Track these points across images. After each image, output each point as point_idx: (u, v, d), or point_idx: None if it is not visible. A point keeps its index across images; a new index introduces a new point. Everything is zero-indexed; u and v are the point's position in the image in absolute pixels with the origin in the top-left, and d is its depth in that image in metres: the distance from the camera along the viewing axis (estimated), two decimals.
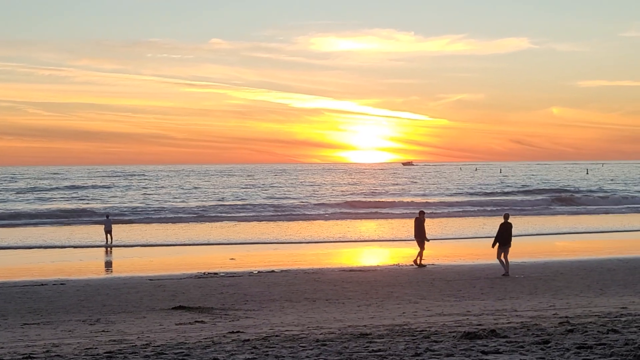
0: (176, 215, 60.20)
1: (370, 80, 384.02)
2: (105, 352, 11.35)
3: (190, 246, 38.33)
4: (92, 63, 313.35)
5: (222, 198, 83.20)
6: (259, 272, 26.60)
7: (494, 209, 63.80)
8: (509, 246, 25.57)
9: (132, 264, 30.62)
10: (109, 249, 37.21)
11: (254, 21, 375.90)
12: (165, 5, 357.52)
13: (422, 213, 29.52)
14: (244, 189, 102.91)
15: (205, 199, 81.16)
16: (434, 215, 56.37)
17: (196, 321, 16.11)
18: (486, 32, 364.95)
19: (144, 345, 12.11)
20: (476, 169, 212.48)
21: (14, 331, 15.31)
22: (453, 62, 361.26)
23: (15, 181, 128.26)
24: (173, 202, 76.66)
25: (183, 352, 11.12)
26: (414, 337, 11.97)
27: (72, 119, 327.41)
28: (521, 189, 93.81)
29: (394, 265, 28.81)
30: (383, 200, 76.79)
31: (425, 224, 28.76)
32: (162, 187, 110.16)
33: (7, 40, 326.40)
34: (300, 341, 11.97)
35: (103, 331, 14.87)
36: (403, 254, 33.00)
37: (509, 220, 26.07)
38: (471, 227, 47.69)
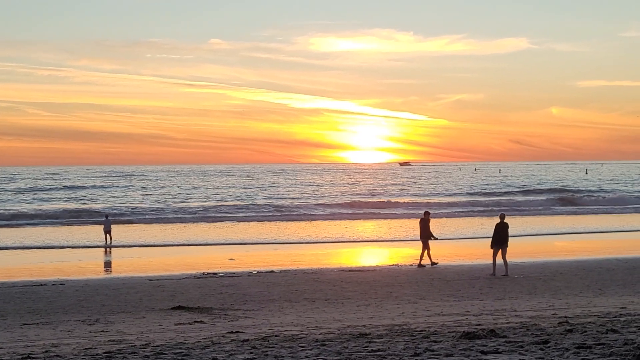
0: (175, 216, 60.21)
1: (369, 81, 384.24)
2: (104, 352, 11.34)
3: (190, 246, 38.33)
4: (92, 63, 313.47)
5: (221, 198, 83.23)
6: (258, 272, 26.61)
7: (495, 209, 63.72)
8: (506, 246, 25.57)
9: (131, 264, 30.62)
10: (108, 249, 37.20)
11: (254, 21, 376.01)
12: (164, 5, 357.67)
13: (427, 213, 29.56)
14: (243, 189, 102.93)
15: (204, 199, 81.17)
16: (434, 216, 56.23)
17: (195, 321, 16.11)
18: (485, 32, 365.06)
19: (143, 345, 12.11)
20: (475, 169, 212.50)
21: (13, 331, 15.30)
22: (452, 62, 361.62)
23: (15, 181, 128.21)
24: (172, 202, 76.64)
25: (182, 352, 11.12)
26: (413, 337, 11.97)
27: (72, 119, 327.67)
28: (522, 189, 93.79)
29: (393, 265, 28.81)
30: (382, 200, 76.77)
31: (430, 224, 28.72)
32: (161, 187, 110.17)
33: (7, 41, 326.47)
34: (299, 341, 11.97)
35: (102, 331, 14.87)
36: (402, 254, 33.02)
37: (505, 221, 26.08)
38: (471, 227, 47.69)
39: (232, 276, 25.45)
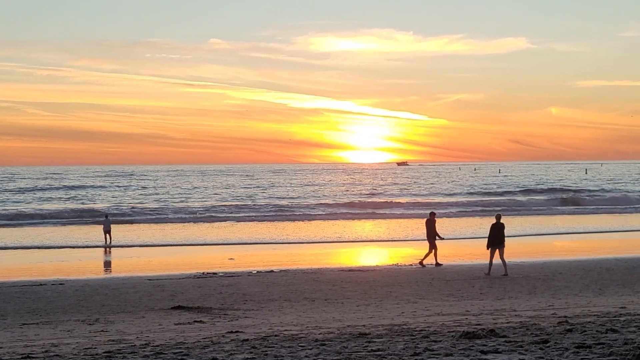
0: (175, 216, 60.20)
1: (369, 80, 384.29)
2: (104, 352, 11.34)
3: (189, 246, 38.32)
4: (91, 63, 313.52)
5: (221, 198, 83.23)
6: (258, 272, 26.61)
7: (497, 209, 63.59)
8: (503, 246, 25.60)
9: (131, 264, 30.62)
10: (107, 249, 37.20)
11: (253, 21, 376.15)
12: (164, 5, 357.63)
13: (432, 214, 29.61)
14: (243, 189, 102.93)
15: (204, 199, 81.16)
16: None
17: (195, 321, 16.10)
18: (485, 32, 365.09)
19: (143, 345, 12.11)
20: (475, 169, 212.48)
21: (13, 331, 15.30)
22: (452, 62, 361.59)
23: (14, 181, 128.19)
24: (172, 202, 76.62)
25: (182, 351, 11.12)
26: (413, 337, 11.97)
27: (71, 119, 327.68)
28: (523, 189, 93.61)
29: (392, 265, 28.81)
30: (382, 200, 76.76)
31: (436, 225, 28.75)
32: (161, 187, 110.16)
33: (6, 40, 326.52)
34: (299, 341, 11.96)
35: (102, 331, 14.86)
36: (402, 254, 33.02)
37: (501, 221, 26.13)
38: (470, 226, 47.68)
39: (232, 276, 25.45)
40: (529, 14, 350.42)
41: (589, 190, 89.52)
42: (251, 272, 26.44)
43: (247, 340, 12.22)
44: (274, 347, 11.35)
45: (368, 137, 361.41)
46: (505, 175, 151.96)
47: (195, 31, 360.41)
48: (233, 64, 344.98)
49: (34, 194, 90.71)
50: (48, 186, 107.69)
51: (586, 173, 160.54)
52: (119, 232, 43.01)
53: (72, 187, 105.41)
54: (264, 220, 56.15)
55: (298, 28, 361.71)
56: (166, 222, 55.03)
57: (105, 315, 17.71)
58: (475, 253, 26.61)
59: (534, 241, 38.53)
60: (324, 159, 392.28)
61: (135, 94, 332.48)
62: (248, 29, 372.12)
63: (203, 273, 26.22)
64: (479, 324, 13.64)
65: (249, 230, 47.28)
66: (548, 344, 10.76)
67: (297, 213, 62.63)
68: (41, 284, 23.76)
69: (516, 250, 32.73)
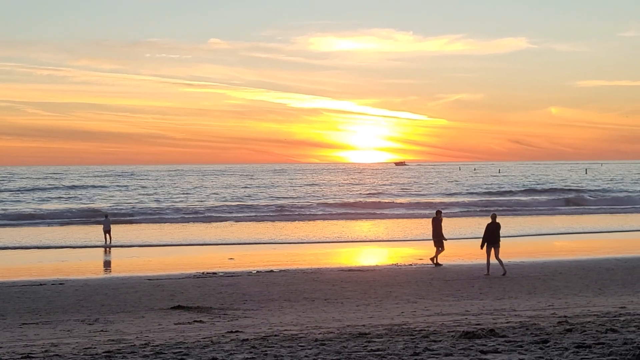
0: (174, 215, 60.19)
1: (369, 80, 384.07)
2: (104, 352, 11.34)
3: (189, 246, 38.32)
4: (91, 63, 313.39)
5: (221, 198, 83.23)
6: (257, 271, 26.61)
7: (499, 209, 63.62)
8: (498, 246, 25.63)
9: (130, 263, 30.62)
10: (107, 248, 37.20)
11: (253, 21, 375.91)
12: (164, 5, 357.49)
13: (439, 213, 29.60)
14: (243, 189, 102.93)
15: (203, 199, 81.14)
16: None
17: (195, 321, 16.10)
18: (485, 32, 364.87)
19: (142, 344, 12.11)
20: (475, 169, 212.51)
21: (13, 331, 15.30)
22: (452, 62, 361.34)
23: (14, 181, 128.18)
24: (172, 202, 76.63)
25: (182, 351, 11.12)
26: (413, 337, 11.97)
27: (71, 119, 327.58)
28: (525, 189, 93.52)
29: (392, 265, 28.81)
30: (382, 200, 76.76)
31: (442, 224, 28.75)
32: (161, 187, 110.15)
33: (6, 40, 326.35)
34: (299, 341, 11.96)
35: (102, 331, 14.86)
36: (401, 254, 33.02)
37: (496, 221, 26.17)
38: (470, 226, 47.67)
39: (232, 276, 25.45)
40: (529, 14, 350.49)
41: (591, 190, 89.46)
42: (251, 272, 26.44)
43: (247, 340, 12.21)
44: (273, 347, 11.35)
45: (368, 137, 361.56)
46: (505, 175, 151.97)
47: (195, 31, 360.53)
48: (233, 64, 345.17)
49: (34, 193, 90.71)
50: (48, 186, 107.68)
51: (586, 173, 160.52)
52: (119, 232, 43.01)
53: (72, 187, 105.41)
54: (264, 220, 56.16)
55: (298, 28, 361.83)
56: (166, 222, 55.03)
57: (105, 315, 17.71)
58: (475, 253, 26.61)
59: (534, 241, 38.53)
60: (324, 159, 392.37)
61: (135, 94, 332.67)
62: (248, 29, 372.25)
63: (203, 273, 26.22)
64: (478, 324, 13.64)
65: (248, 230, 47.29)
66: (548, 344, 10.76)
67: (297, 213, 62.62)
68: (41, 284, 23.76)
69: (516, 250, 32.73)
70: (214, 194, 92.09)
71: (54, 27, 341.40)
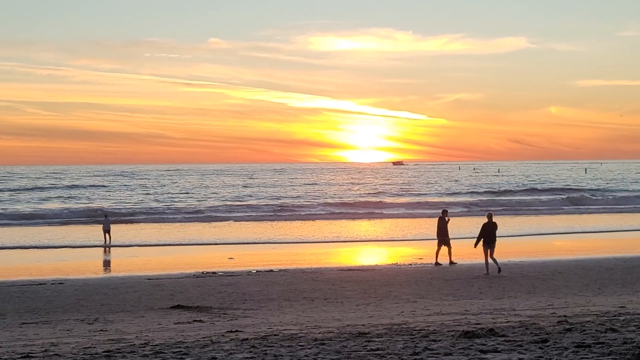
0: (174, 215, 60.20)
1: (368, 80, 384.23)
2: (103, 352, 11.33)
3: (189, 246, 38.31)
4: (91, 63, 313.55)
5: (220, 197, 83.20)
6: (257, 271, 26.61)
7: (499, 208, 63.69)
8: (494, 245, 25.66)
9: (130, 263, 30.62)
10: (107, 248, 37.20)
11: (253, 21, 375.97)
12: (163, 5, 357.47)
13: (445, 212, 29.60)
14: (242, 189, 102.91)
15: (203, 199, 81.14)
16: (436, 215, 56.39)
17: (194, 320, 16.10)
18: (484, 32, 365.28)
19: (142, 344, 12.10)
20: (474, 169, 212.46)
21: (12, 330, 15.30)
22: (451, 62, 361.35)
23: (14, 181, 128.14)
24: (171, 201, 76.63)
25: (181, 351, 11.11)
26: (413, 336, 11.96)
27: (71, 118, 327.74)
28: (526, 188, 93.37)
29: (392, 264, 28.81)
30: (381, 200, 76.73)
31: (448, 224, 28.77)
32: (160, 186, 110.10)
33: (6, 40, 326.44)
34: (298, 340, 11.96)
35: (101, 330, 14.86)
36: (401, 254, 33.02)
37: (493, 220, 26.23)
38: (472, 226, 47.66)
39: (231, 275, 25.45)
40: (528, 14, 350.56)
41: (592, 190, 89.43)
42: (250, 272, 26.44)
43: (247, 339, 12.21)
44: (273, 346, 11.35)
45: (367, 137, 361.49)
46: (504, 175, 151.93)
47: (194, 31, 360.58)
48: (232, 64, 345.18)
49: (34, 193, 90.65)
50: (47, 186, 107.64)
51: (586, 172, 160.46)
52: (119, 232, 43.01)
53: (72, 187, 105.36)
54: (263, 220, 56.16)
55: (297, 28, 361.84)
56: (165, 222, 55.05)
57: (105, 314, 17.70)
58: (475, 252, 26.62)
59: (534, 240, 38.53)
60: (324, 158, 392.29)
61: (135, 94, 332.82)
62: (247, 28, 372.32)
63: (202, 272, 26.22)
64: (478, 323, 13.64)
65: (248, 230, 47.28)
66: (547, 343, 10.75)
67: (296, 212, 62.63)
68: (40, 284, 23.75)
69: (516, 250, 32.76)
70: (214, 193, 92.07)
71: (53, 26, 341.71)
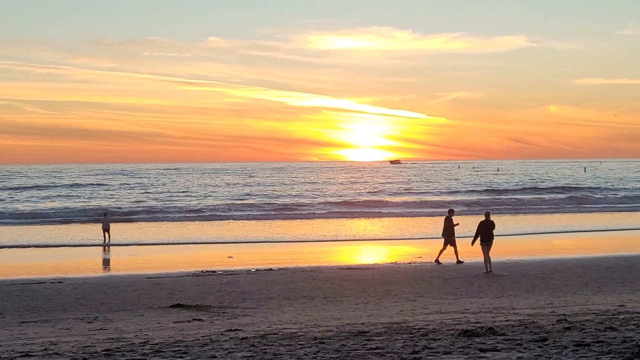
0: (173, 214, 60.19)
1: (368, 79, 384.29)
2: (103, 350, 11.33)
3: (188, 244, 38.30)
4: (90, 61, 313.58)
5: (220, 196, 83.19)
6: (257, 270, 26.60)
7: (501, 207, 63.65)
8: (491, 244, 25.69)
9: (129, 262, 30.61)
10: (106, 247, 37.20)
11: (252, 20, 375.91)
12: (163, 4, 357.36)
13: (451, 211, 29.64)
14: (242, 187, 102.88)
15: (202, 197, 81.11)
16: (436, 214, 56.52)
17: (194, 319, 16.10)
18: (484, 31, 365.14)
19: (141, 343, 12.10)
20: (473, 167, 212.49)
21: (12, 329, 15.30)
22: (451, 61, 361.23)
23: (13, 179, 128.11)
24: (170, 200, 76.61)
25: (181, 350, 11.11)
26: (412, 335, 11.97)
27: (70, 117, 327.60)
28: (529, 188, 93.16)
29: (391, 263, 28.81)
30: (381, 199, 76.72)
31: (454, 223, 28.80)
32: (159, 185, 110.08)
33: (5, 39, 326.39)
34: (298, 339, 11.96)
35: (101, 329, 14.86)
36: (401, 252, 33.02)
37: (490, 219, 26.26)
38: (472, 225, 47.65)
39: (231, 274, 25.45)
40: (528, 13, 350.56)
41: (592, 188, 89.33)
42: (250, 271, 26.43)
43: (246, 338, 12.21)
44: (272, 345, 11.35)
45: (367, 135, 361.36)
46: (504, 174, 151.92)
47: (193, 29, 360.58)
48: (232, 62, 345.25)
49: (33, 192, 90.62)
50: (47, 184, 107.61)
51: (585, 171, 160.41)
52: (118, 230, 43.01)
53: (71, 186, 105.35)
54: (263, 219, 56.16)
55: (297, 26, 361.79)
56: (165, 221, 55.03)
57: (104, 313, 17.70)
58: (474, 251, 26.64)
59: (534, 239, 38.53)
60: (323, 157, 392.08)
61: (134, 92, 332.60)
62: (247, 27, 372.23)
63: (202, 271, 26.22)
64: (477, 322, 13.64)
65: (247, 229, 47.28)
66: (547, 342, 10.76)
67: (296, 211, 62.61)
68: (40, 282, 23.75)
69: (516, 249, 32.78)
70: (213, 192, 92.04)
71: (53, 25, 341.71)
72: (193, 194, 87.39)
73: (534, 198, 74.43)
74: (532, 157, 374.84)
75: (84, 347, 11.92)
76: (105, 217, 39.99)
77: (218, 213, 60.68)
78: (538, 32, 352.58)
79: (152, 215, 59.18)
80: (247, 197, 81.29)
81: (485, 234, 25.81)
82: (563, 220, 52.17)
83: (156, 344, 11.82)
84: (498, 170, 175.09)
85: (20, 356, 11.08)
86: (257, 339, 12.11)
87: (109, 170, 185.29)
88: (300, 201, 72.95)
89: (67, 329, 15.16)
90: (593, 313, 14.68)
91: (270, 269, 26.67)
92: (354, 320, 14.84)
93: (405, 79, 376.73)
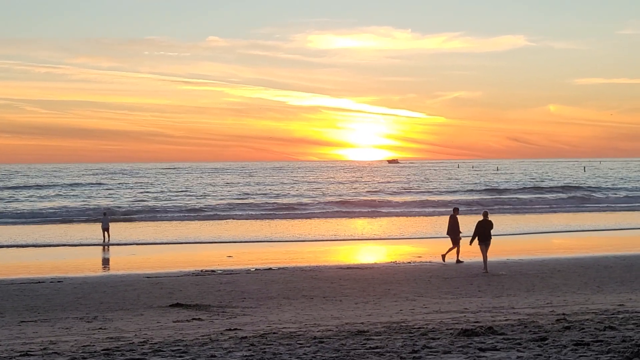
0: (173, 213, 60.18)
1: (367, 78, 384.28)
2: (102, 350, 11.33)
3: (187, 244, 38.30)
4: (89, 61, 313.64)
5: (219, 196, 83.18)
6: (256, 269, 26.60)
7: (502, 207, 63.59)
8: (489, 244, 25.70)
9: (129, 261, 30.60)
10: (106, 246, 37.19)
11: (251, 19, 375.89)
12: (163, 3, 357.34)
13: (456, 210, 29.66)
14: (242, 187, 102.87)
15: (202, 197, 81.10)
16: (436, 213, 56.55)
17: (193, 318, 16.10)
18: (483, 30, 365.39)
19: (141, 342, 12.10)
20: (473, 167, 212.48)
21: (11, 329, 15.29)
22: (450, 60, 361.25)
23: (12, 179, 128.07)
24: (170, 199, 76.61)
25: (180, 349, 11.11)
26: (412, 334, 11.97)
27: (69, 116, 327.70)
28: (526, 187, 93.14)
29: (391, 262, 28.81)
30: (381, 198, 76.74)
31: (458, 221, 28.81)
32: (159, 184, 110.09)
33: (5, 39, 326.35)
34: (297, 338, 11.96)
35: (100, 328, 14.85)
36: (400, 252, 33.02)
37: (488, 218, 26.28)
38: (472, 224, 47.65)
39: (230, 274, 25.45)
40: (527, 12, 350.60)
41: (592, 188, 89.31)
42: (249, 270, 26.43)
43: (246, 337, 12.21)
44: (272, 344, 11.34)
45: (366, 135, 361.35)
46: (503, 173, 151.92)
47: (193, 29, 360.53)
48: (231, 62, 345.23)
49: (32, 191, 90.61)
50: (46, 184, 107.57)
51: (584, 171, 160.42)
52: (117, 230, 42.99)
53: (70, 185, 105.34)
54: (262, 218, 56.15)
55: (296, 26, 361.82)
56: (164, 220, 55.03)
57: (104, 312, 17.70)
58: (474, 251, 26.64)
59: (533, 238, 38.53)
60: (323, 156, 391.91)
61: (134, 92, 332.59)
62: (246, 26, 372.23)
63: (201, 271, 26.21)
64: (477, 322, 13.64)
65: (247, 228, 47.28)
66: (546, 342, 10.76)
67: (295, 211, 62.62)
68: (39, 282, 23.74)
69: (515, 248, 32.78)
70: (213, 191, 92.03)
71: (52, 25, 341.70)
72: (192, 194, 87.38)
73: (535, 197, 74.43)
74: (531, 156, 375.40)
75: (84, 346, 11.92)
76: (105, 217, 39.99)
77: (217, 212, 60.68)
78: (537, 32, 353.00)
79: (152, 214, 59.18)
80: (247, 196, 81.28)
81: (483, 233, 25.84)
82: (563, 219, 52.17)
83: (155, 344, 11.81)
84: (497, 170, 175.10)
85: (20, 355, 11.08)
86: (256, 338, 12.11)
87: (109, 169, 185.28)
88: (300, 201, 72.97)
89: (67, 328, 15.16)
90: (592, 312, 14.68)
91: (270, 269, 26.67)
92: (353, 320, 14.84)
93: (404, 78, 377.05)
